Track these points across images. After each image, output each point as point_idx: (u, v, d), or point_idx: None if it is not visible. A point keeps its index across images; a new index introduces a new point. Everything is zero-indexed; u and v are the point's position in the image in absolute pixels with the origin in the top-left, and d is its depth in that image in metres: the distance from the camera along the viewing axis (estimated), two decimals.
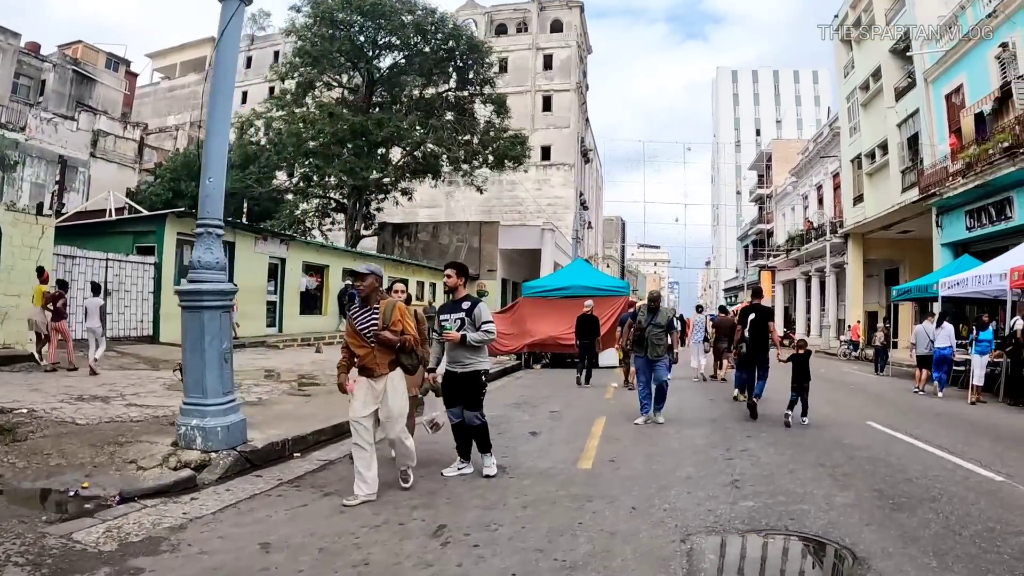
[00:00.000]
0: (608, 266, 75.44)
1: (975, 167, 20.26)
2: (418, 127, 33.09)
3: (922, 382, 15.13)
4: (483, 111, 36.92)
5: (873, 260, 34.33)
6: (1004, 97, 20.10)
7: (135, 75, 58.71)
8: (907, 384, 17.03)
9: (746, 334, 10.49)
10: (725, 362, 16.52)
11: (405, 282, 7.28)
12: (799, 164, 45.50)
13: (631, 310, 13.16)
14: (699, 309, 18.68)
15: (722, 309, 17.41)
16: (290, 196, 35.08)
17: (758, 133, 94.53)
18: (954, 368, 15.87)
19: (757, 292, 11.22)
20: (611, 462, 7.18)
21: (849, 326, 33.37)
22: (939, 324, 14.92)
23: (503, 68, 53.44)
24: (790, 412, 9.83)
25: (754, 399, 10.31)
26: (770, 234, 56.25)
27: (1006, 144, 18.74)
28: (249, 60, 59.54)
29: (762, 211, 60.39)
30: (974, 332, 12.72)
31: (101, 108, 49.95)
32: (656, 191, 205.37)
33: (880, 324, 23.93)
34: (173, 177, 40.05)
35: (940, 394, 14.29)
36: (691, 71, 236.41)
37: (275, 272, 22.56)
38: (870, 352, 27.49)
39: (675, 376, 11.24)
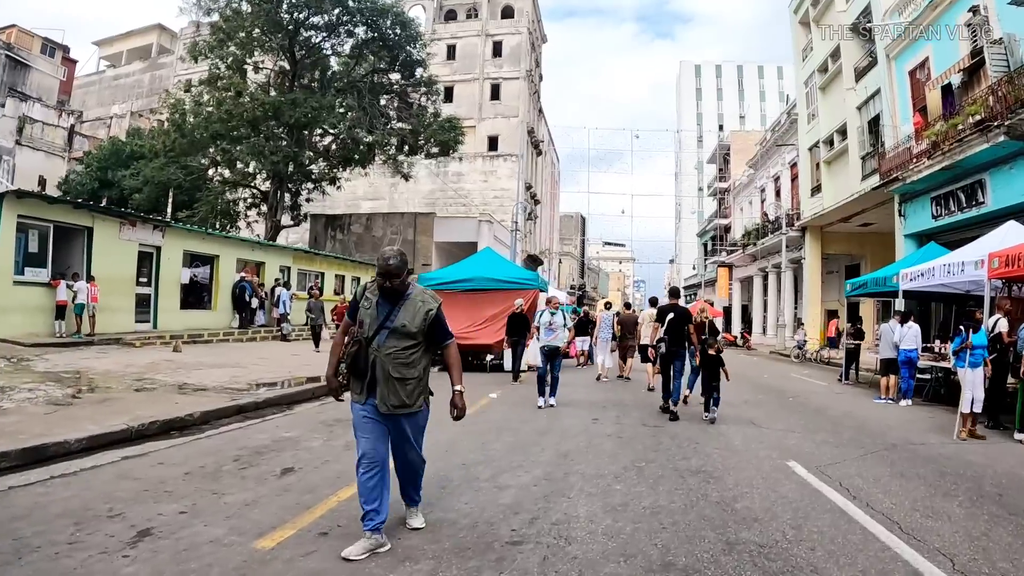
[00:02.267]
0: (560, 262, 73.00)
1: (942, 146, 17.88)
2: (341, 109, 30.56)
3: (887, 391, 13.78)
4: (418, 96, 34.97)
5: (832, 255, 32.10)
6: (975, 67, 17.75)
7: (73, 61, 56.32)
8: (869, 394, 14.81)
9: (663, 334, 10.60)
10: (630, 360, 16.91)
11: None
12: (756, 155, 43.33)
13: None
14: (652, 302, 17.02)
15: (652, 301, 15.50)
16: (213, 184, 32.58)
17: (721, 128, 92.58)
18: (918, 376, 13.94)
19: (674, 292, 11.54)
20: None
21: (799, 325, 31.21)
22: (904, 322, 13.61)
23: (451, 55, 51.60)
24: (707, 414, 10.17)
25: (672, 404, 10.37)
26: (728, 229, 54.10)
27: (978, 118, 16.35)
28: (195, 46, 56.38)
29: (720, 206, 58.31)
30: (964, 335, 9.79)
31: (36, 95, 47.54)
32: (620, 188, 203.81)
33: (846, 325, 21.15)
34: (101, 167, 38.14)
35: (904, 402, 13.17)
36: (659, 71, 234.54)
37: (148, 262, 19.44)
38: (834, 354, 25.37)
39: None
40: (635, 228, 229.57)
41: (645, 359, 14.88)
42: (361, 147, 32.17)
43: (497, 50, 51.35)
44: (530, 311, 15.80)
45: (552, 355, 11.45)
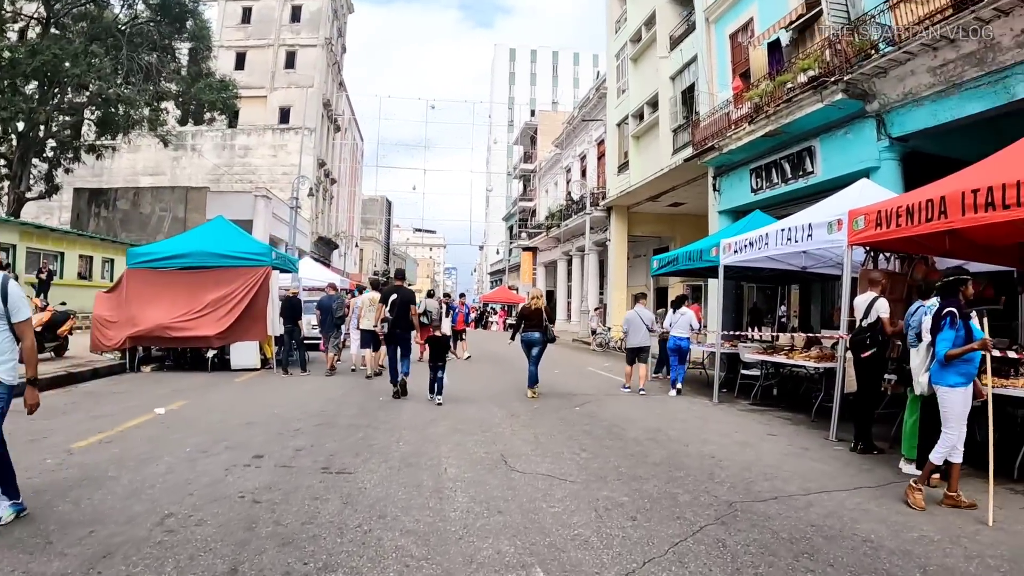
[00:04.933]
0: (358, 245, 67.94)
1: (766, 109, 15.52)
2: (95, 60, 25.08)
3: (629, 378, 12.65)
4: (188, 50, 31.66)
5: (640, 237, 30.08)
6: (808, 23, 15.53)
7: None
8: (688, 396, 12.01)
9: (387, 314, 10.82)
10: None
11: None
12: (563, 134, 41.02)
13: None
14: (430, 294, 18.11)
15: (374, 283, 14.71)
16: None
17: (532, 114, 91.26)
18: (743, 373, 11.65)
19: (400, 274, 11.66)
20: None
21: (595, 309, 29.11)
22: (678, 307, 12.75)
23: (246, 18, 46.16)
24: (431, 395, 10.40)
25: (404, 376, 10.81)
26: (533, 212, 51.90)
27: (811, 74, 14.02)
28: None
29: (526, 188, 56.09)
30: (947, 320, 5.86)
31: None
32: (431, 170, 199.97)
33: (658, 311, 18.57)
34: None
35: (672, 392, 12.13)
36: (480, 60, 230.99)
37: None
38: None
39: None
40: (447, 214, 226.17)
41: (366, 344, 14.03)
42: (118, 108, 27.20)
43: (296, 15, 46.04)
44: (259, 295, 13.86)
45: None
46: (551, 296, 47.26)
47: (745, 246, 10.42)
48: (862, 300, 7.66)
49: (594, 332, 27.25)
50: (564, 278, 42.39)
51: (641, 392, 12.15)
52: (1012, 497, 5.93)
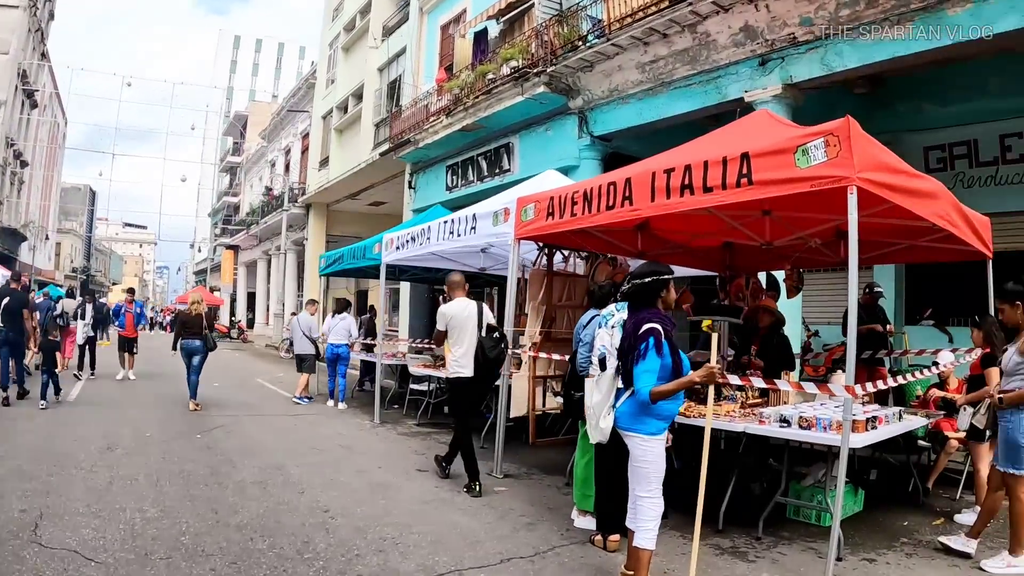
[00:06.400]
0: (48, 239, 57.35)
1: (465, 100, 14.01)
2: None
3: (303, 389, 11.70)
4: None
5: (340, 237, 27.47)
6: (520, 14, 14.34)
7: None
8: (367, 419, 9.99)
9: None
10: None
11: None
12: (270, 125, 37.35)
13: None
14: (69, 294, 17.00)
15: (68, 293, 13.62)
16: None
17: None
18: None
19: (15, 276, 11.92)
20: None
21: (293, 313, 26.33)
22: (339, 312, 11.45)
23: None
24: (43, 401, 9.56)
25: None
26: (237, 208, 47.11)
27: (514, 65, 12.68)
28: None
29: (232, 182, 51.06)
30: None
31: None
32: (150, 164, 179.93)
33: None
34: None
35: (341, 405, 11.18)
36: (206, 47, 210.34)
37: None
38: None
39: None
40: (159, 207, 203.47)
41: None
42: None
43: None
44: None
45: None
46: (252, 298, 43.02)
47: (407, 241, 8.50)
48: (461, 309, 6.18)
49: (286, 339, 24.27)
50: (264, 279, 38.52)
51: (304, 401, 11.48)
52: (718, 562, 4.47)
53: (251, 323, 41.67)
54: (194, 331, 10.35)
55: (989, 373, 5.35)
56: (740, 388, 5.69)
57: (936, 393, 6.62)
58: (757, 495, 5.69)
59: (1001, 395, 4.51)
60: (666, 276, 3.97)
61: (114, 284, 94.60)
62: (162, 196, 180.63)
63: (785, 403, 5.74)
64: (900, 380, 6.36)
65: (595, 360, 4.11)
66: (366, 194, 23.11)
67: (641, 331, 3.76)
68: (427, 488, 6.06)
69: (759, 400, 5.91)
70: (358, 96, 23.43)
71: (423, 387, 10.23)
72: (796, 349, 8.27)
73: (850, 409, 4.17)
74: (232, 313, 44.96)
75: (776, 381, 5.43)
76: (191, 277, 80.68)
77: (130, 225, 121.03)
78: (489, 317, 6.15)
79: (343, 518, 5.08)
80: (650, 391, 3.67)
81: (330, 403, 11.35)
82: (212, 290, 50.15)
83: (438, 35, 18.49)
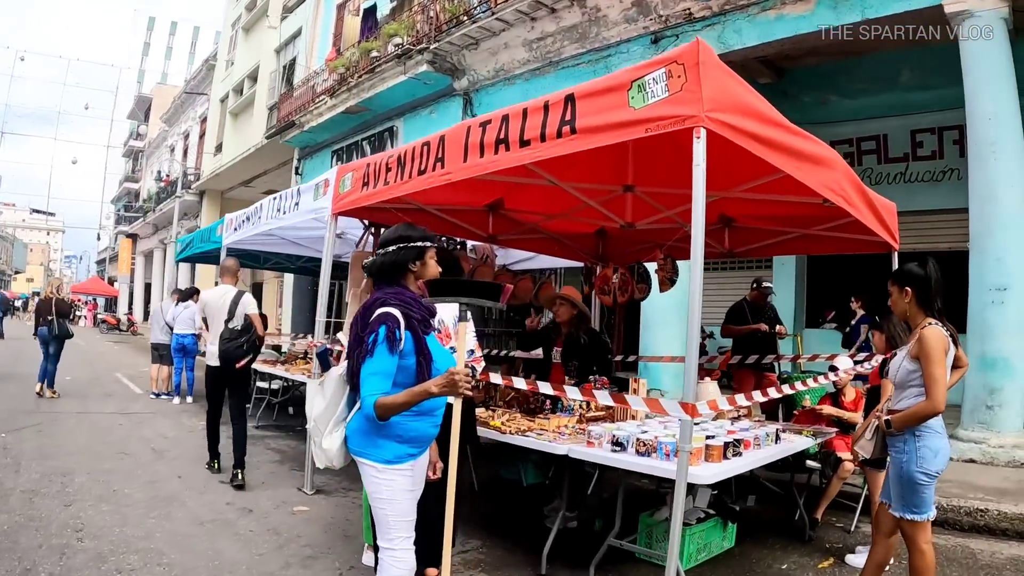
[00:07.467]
0: None
1: (349, 80, 13.21)
2: None
3: (157, 383, 10.90)
4: None
5: None
6: None
7: None
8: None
9: None
10: None
11: None
12: (170, 109, 35.48)
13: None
14: None
15: None
16: None
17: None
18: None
19: None
20: None
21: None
22: (184, 300, 10.40)
23: None
24: None
25: None
26: (138, 195, 44.73)
27: (398, 42, 11.94)
28: None
29: (134, 168, 48.53)
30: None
31: None
32: (62, 147, 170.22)
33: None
34: None
35: (180, 400, 10.46)
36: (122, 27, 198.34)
37: None
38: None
39: None
40: (70, 193, 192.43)
41: None
42: None
43: None
44: None
45: None
46: (150, 289, 40.84)
47: (243, 222, 7.66)
48: (217, 296, 5.73)
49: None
50: (160, 269, 36.59)
51: (163, 397, 10.75)
52: None
53: (147, 315, 39.61)
54: (49, 318, 10.08)
55: (884, 385, 4.28)
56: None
57: (827, 410, 5.36)
58: (598, 531, 4.63)
59: (889, 416, 3.27)
60: (420, 243, 2.87)
61: (17, 273, 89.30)
62: (51, 180, 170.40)
63: (633, 417, 4.56)
64: (787, 390, 5.07)
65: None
66: (259, 181, 21.95)
67: (372, 318, 2.70)
68: (216, 505, 5.20)
69: (602, 413, 4.79)
70: (254, 78, 22.27)
71: (265, 384, 9.28)
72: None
73: (689, 433, 3.08)
74: (130, 303, 42.78)
75: (566, 390, 4.30)
76: (93, 267, 76.85)
77: (38, 211, 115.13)
78: (249, 308, 5.61)
79: (92, 540, 4.26)
80: (375, 402, 2.56)
81: (176, 399, 10.41)
82: (110, 281, 47.58)
83: (334, 14, 17.64)
